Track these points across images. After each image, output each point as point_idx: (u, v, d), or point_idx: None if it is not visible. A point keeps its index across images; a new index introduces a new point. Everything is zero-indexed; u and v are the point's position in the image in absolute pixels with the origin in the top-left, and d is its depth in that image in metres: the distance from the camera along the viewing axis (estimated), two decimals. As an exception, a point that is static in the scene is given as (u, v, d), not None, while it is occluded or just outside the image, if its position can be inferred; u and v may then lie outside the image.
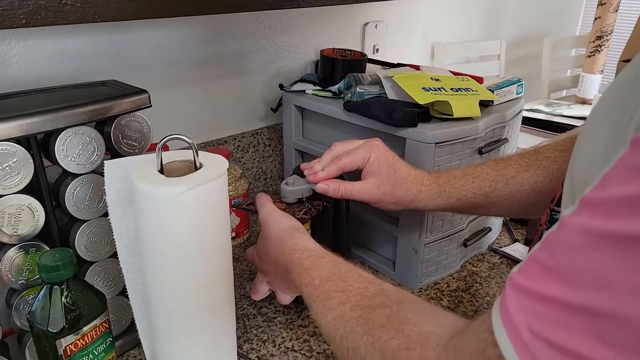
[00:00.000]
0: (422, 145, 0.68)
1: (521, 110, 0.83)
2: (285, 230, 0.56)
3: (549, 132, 1.76)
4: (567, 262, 0.25)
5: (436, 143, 0.67)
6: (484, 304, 0.73)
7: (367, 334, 0.37)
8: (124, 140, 0.57)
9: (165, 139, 0.46)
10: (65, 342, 0.49)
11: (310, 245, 0.52)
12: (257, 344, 0.65)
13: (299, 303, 0.71)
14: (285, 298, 0.63)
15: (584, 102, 2.09)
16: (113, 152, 0.57)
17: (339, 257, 0.50)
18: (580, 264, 0.24)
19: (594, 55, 2.14)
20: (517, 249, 0.85)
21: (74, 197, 0.54)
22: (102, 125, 0.56)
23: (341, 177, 0.64)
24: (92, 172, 0.55)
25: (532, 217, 0.65)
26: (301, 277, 0.48)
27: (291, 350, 0.64)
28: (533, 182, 0.58)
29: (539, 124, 1.82)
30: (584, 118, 1.84)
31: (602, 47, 2.15)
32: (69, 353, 0.49)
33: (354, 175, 0.63)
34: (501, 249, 0.85)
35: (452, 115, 0.71)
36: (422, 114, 0.71)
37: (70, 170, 0.53)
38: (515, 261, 0.83)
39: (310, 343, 0.65)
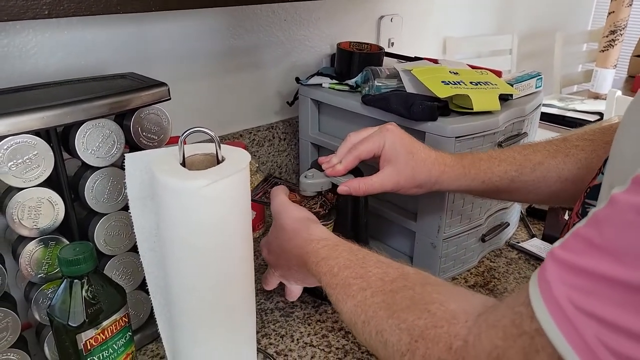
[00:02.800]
0: (441, 139, 0.67)
1: (540, 104, 0.82)
2: (299, 221, 0.55)
3: (562, 127, 1.75)
4: (619, 239, 0.24)
5: (456, 137, 0.66)
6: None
7: (391, 317, 0.37)
8: (143, 133, 0.56)
9: (189, 131, 0.45)
10: (86, 337, 0.48)
11: (325, 235, 0.52)
12: (275, 339, 0.64)
13: (316, 297, 0.71)
14: (294, 293, 0.63)
15: (597, 97, 2.06)
16: (132, 146, 0.57)
17: (354, 243, 0.49)
18: (633, 241, 0.23)
19: (607, 49, 2.10)
20: (534, 245, 0.84)
21: (93, 191, 0.53)
22: (121, 118, 0.56)
23: (357, 169, 0.64)
24: (112, 165, 0.54)
25: (555, 206, 0.63)
26: (319, 267, 0.48)
27: (310, 346, 0.63)
28: (560, 169, 0.57)
29: (552, 119, 1.80)
30: (598, 113, 1.82)
31: (616, 42, 2.12)
32: (89, 347, 0.49)
33: (371, 166, 0.62)
34: (519, 244, 0.84)
35: (472, 109, 0.70)
36: (442, 107, 0.70)
37: (89, 164, 0.53)
38: (532, 257, 0.82)
39: (328, 338, 0.64)
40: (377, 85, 0.76)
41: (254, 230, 0.87)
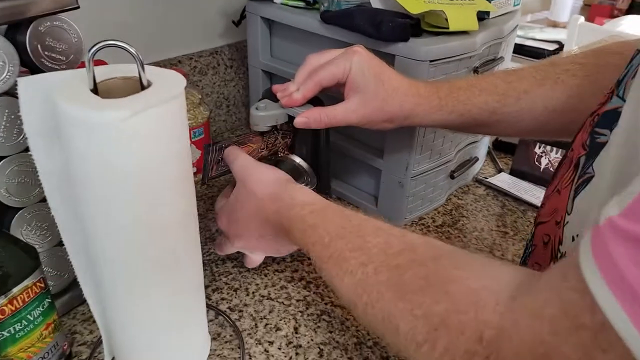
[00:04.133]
0: (413, 64, 0.58)
1: (517, 25, 0.74)
2: (273, 183, 0.47)
3: (522, 56, 1.69)
4: None
5: (430, 61, 0.58)
6: (473, 239, 0.68)
7: (402, 300, 0.30)
8: (46, 53, 0.44)
9: (99, 45, 0.34)
10: (-12, 310, 0.39)
11: (309, 197, 0.44)
12: (227, 293, 0.57)
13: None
14: (256, 260, 0.56)
15: (555, 25, 2.02)
16: (33, 69, 0.44)
17: (344, 206, 0.42)
18: None
19: (566, -25, 2.04)
20: (503, 180, 0.80)
21: (-17, 127, 0.42)
22: (13, 32, 0.43)
23: (317, 98, 0.55)
24: (5, 93, 0.42)
25: (534, 139, 0.57)
26: (305, 235, 0.40)
27: (267, 299, 0.56)
28: (548, 98, 0.50)
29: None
30: (557, 42, 1.78)
31: (575, -33, 2.05)
32: (-6, 322, 0.39)
33: (333, 98, 0.53)
34: (487, 180, 0.79)
35: (447, 28, 0.61)
36: (413, 26, 0.60)
37: (-27, 92, 0.41)
38: (501, 192, 0.78)
39: (288, 290, 0.58)
40: (338, 0, 0.65)
41: (199, 171, 0.77)
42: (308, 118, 0.52)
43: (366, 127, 0.54)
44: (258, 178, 0.48)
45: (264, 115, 0.54)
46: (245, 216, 0.49)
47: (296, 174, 0.55)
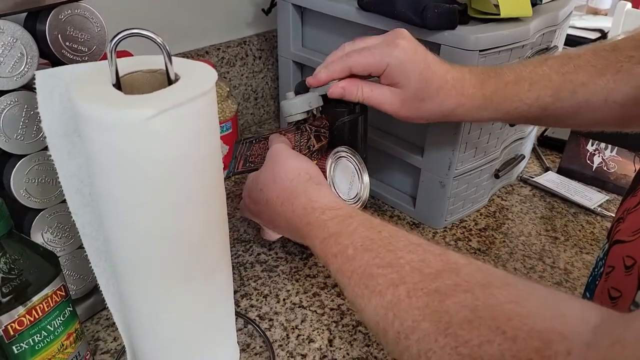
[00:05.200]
0: (461, 54, 0.53)
1: (572, 11, 0.68)
2: (296, 178, 0.43)
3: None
4: None
5: (480, 50, 0.53)
6: (519, 244, 0.63)
7: (444, 334, 0.25)
8: (66, 43, 0.41)
9: (121, 34, 0.31)
10: (5, 320, 0.36)
11: (331, 202, 0.39)
12: (257, 300, 0.54)
13: (306, 247, 0.60)
14: (274, 236, 0.53)
15: (596, 12, 1.91)
16: (53, 62, 0.41)
17: (370, 215, 0.37)
18: None
19: (609, -41, 1.92)
20: (550, 179, 0.74)
21: (0, 124, 0.39)
22: (32, 21, 0.40)
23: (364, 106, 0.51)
24: (24, 88, 0.39)
25: (591, 130, 0.51)
26: (326, 245, 0.35)
27: (299, 307, 0.53)
28: (609, 90, 0.44)
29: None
30: (599, 30, 1.68)
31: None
32: (12, 333, 0.37)
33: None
34: (532, 179, 0.74)
35: (498, 14, 0.55)
36: (460, 13, 0.55)
37: (-10, 86, 0.38)
38: (548, 193, 0.72)
39: (321, 297, 0.54)
40: (377, -15, 0.60)
41: (226, 167, 0.73)
42: (344, 88, 0.48)
43: (402, 119, 0.50)
44: (284, 165, 0.44)
45: (295, 102, 0.50)
46: (265, 201, 0.45)
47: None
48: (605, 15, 1.82)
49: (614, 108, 0.45)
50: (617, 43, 0.47)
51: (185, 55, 0.74)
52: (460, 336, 0.24)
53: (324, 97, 0.51)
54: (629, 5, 1.38)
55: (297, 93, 0.53)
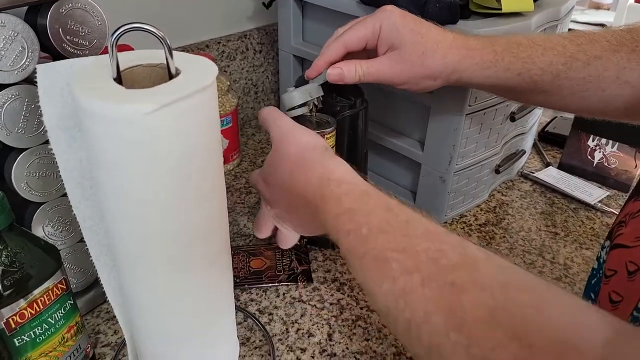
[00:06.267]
0: (462, 49, 0.53)
1: (573, 6, 0.67)
2: (310, 148, 0.40)
3: (564, 40, 1.59)
4: None
5: (481, 45, 0.52)
6: (519, 240, 0.63)
7: (457, 332, 0.24)
8: (67, 37, 0.41)
9: (122, 29, 0.30)
10: (7, 313, 0.36)
11: (348, 175, 0.36)
12: (257, 294, 0.54)
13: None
14: (289, 240, 0.49)
15: (598, 7, 1.90)
16: (54, 55, 0.41)
17: (388, 194, 0.34)
18: None
19: (611, -47, 1.91)
20: (550, 174, 0.74)
21: (1, 118, 0.39)
22: (33, 14, 0.40)
23: (359, 89, 0.50)
24: (25, 81, 0.39)
25: (598, 118, 0.51)
26: (339, 221, 0.33)
27: (298, 301, 0.53)
28: (622, 67, 0.44)
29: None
30: (601, 25, 1.67)
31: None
32: (13, 326, 0.37)
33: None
34: (533, 175, 0.74)
35: (500, 9, 0.55)
36: (462, 7, 0.55)
37: (-9, 79, 0.38)
38: (549, 188, 0.72)
39: (320, 292, 0.54)
40: (378, -21, 0.60)
41: (227, 161, 0.74)
42: (342, 69, 0.47)
43: (407, 88, 0.49)
44: (295, 140, 0.41)
45: (295, 94, 0.50)
46: (279, 180, 0.43)
47: None
48: (608, 9, 1.82)
49: (625, 89, 0.45)
50: (632, 26, 0.46)
51: (185, 48, 0.74)
52: (474, 336, 0.24)
53: (325, 87, 0.51)
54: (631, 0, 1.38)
55: (296, 85, 0.53)
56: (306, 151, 0.39)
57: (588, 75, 0.45)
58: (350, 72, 0.47)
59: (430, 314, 0.26)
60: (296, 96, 0.50)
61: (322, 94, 0.51)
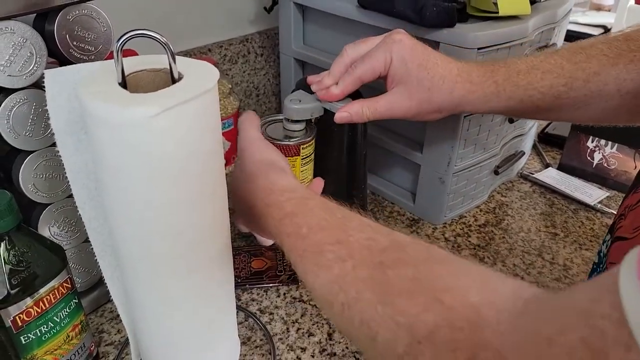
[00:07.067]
0: (460, 51, 0.54)
1: (570, 9, 0.68)
2: (259, 163, 0.43)
3: (564, 41, 1.60)
4: None
5: (478, 48, 0.53)
6: (519, 240, 0.63)
7: (383, 303, 0.26)
8: (74, 43, 0.42)
9: (127, 35, 0.32)
10: (14, 312, 0.37)
11: (290, 185, 0.39)
12: (257, 294, 0.55)
13: None
14: (264, 239, 0.51)
15: (599, 8, 1.91)
16: (61, 61, 0.43)
17: (327, 198, 0.37)
18: None
19: (613, -45, 1.92)
20: (550, 175, 0.75)
21: (10, 121, 0.40)
22: (41, 21, 0.41)
23: (358, 92, 0.51)
24: (33, 86, 0.40)
25: (607, 124, 0.52)
26: (281, 224, 0.36)
27: (299, 301, 0.54)
28: (622, 79, 0.45)
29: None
30: (602, 26, 1.68)
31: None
32: (20, 324, 0.38)
33: (371, 88, 0.50)
34: (532, 176, 0.75)
35: (497, 12, 0.56)
36: (459, 11, 0.56)
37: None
38: (548, 189, 0.73)
39: (321, 291, 0.55)
40: (378, -16, 0.61)
41: (228, 163, 0.75)
42: (350, 113, 0.48)
43: (415, 120, 0.50)
44: (252, 156, 0.44)
45: (299, 109, 0.50)
46: (236, 190, 0.45)
47: None
48: (609, 11, 1.82)
49: (627, 99, 0.46)
50: (630, 33, 0.47)
51: (188, 52, 0.75)
52: (399, 305, 0.25)
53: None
54: (632, 1, 1.38)
55: (297, 88, 0.54)
56: (255, 165, 0.43)
57: (589, 92, 0.46)
58: (358, 114, 0.49)
59: (361, 291, 0.28)
60: (300, 111, 0.51)
61: (322, 113, 0.52)
